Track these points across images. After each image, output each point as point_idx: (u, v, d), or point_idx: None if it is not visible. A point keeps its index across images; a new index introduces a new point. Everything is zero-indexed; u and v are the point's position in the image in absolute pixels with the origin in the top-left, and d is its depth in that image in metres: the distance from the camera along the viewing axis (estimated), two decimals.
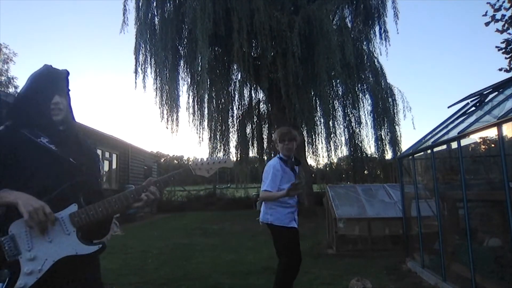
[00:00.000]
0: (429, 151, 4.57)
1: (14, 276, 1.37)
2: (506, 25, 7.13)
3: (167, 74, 12.65)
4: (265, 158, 15.31)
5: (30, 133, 1.57)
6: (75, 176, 1.56)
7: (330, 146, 13.74)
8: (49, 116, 1.64)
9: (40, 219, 1.40)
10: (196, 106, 13.38)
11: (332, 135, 13.62)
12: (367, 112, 14.07)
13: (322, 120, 13.69)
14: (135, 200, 1.57)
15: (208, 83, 12.07)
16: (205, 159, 1.68)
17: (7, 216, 1.43)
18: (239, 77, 13.98)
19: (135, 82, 12.91)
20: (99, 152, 13.03)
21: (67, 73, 1.74)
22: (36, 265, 1.40)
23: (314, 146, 14.17)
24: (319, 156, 14.15)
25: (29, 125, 1.60)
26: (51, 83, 1.68)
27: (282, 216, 3.32)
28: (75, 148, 1.68)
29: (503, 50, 7.31)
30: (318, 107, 13.69)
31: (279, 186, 3.29)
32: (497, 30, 7.16)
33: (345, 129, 14.06)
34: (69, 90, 1.76)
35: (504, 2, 7.05)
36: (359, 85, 13.88)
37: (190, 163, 1.71)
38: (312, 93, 12.96)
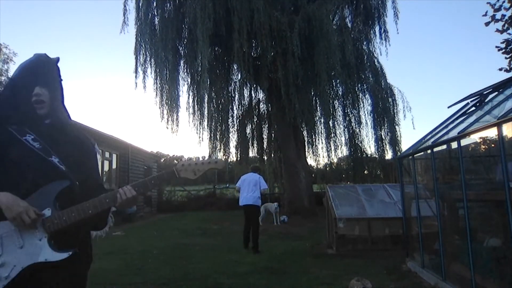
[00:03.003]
0: (429, 151, 4.56)
1: None
2: (506, 25, 7.12)
3: (167, 74, 12.64)
4: (265, 158, 15.32)
5: (17, 131, 1.49)
6: (53, 178, 1.46)
7: (330, 146, 13.78)
8: (33, 110, 1.53)
9: (25, 222, 1.34)
10: (196, 106, 13.38)
11: (332, 135, 13.65)
12: (367, 112, 14.10)
13: (322, 120, 13.71)
14: (110, 204, 1.49)
15: (208, 83, 12.07)
16: (193, 159, 1.55)
17: None
18: (239, 77, 13.99)
19: (135, 82, 12.94)
20: None
21: (56, 60, 1.62)
22: (3, 271, 1.33)
23: (314, 146, 14.20)
24: (319, 156, 14.19)
25: (16, 121, 1.50)
26: (32, 74, 1.56)
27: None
28: (62, 143, 1.56)
29: (503, 50, 7.31)
30: (318, 107, 13.71)
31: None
32: (497, 30, 7.16)
33: (345, 129, 14.09)
34: (60, 79, 1.65)
35: (504, 2, 7.05)
36: (359, 85, 13.89)
37: (175, 163, 1.57)
38: (312, 93, 12.97)
